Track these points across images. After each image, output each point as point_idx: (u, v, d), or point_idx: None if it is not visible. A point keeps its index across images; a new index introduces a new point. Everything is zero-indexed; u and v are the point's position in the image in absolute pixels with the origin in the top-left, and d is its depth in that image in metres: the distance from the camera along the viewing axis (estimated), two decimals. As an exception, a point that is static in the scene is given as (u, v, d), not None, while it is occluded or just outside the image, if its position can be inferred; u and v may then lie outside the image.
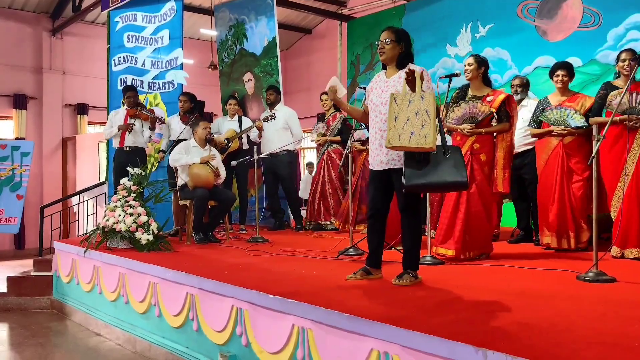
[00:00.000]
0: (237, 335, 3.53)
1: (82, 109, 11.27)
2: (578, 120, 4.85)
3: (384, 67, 3.68)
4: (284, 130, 6.94)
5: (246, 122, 7.09)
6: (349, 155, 5.03)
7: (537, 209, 5.32)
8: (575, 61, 5.25)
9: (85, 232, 7.97)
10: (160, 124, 6.62)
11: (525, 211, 5.76)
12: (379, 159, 3.54)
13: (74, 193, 8.71)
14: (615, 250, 4.48)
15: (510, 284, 3.62)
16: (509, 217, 6.37)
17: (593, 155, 3.62)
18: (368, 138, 4.80)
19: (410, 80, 3.28)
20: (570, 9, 6.98)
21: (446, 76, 4.51)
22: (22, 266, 7.97)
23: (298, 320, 3.08)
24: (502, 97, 4.65)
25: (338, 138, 6.83)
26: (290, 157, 7.11)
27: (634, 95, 4.47)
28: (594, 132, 3.70)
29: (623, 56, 4.66)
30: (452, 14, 8.23)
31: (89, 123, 11.44)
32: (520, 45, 7.44)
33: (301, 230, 7.05)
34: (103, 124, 11.25)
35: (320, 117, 7.35)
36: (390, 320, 2.63)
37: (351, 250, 4.84)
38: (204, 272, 4.05)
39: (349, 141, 4.99)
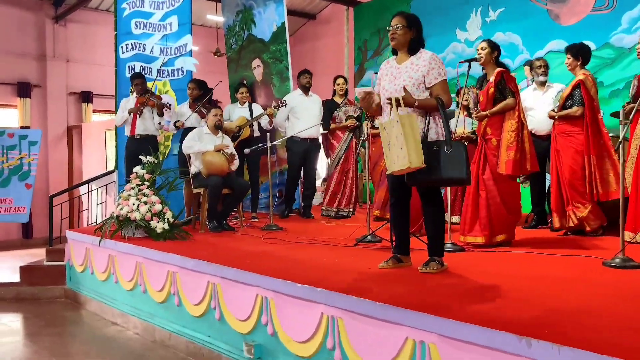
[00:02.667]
0: (262, 324, 3.51)
1: (86, 97, 11.17)
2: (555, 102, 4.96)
3: (395, 53, 3.63)
4: (318, 117, 6.89)
5: (257, 109, 7.03)
6: (366, 142, 4.98)
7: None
8: (588, 45, 5.19)
9: (95, 221, 7.94)
10: (167, 110, 6.56)
11: (539, 195, 5.74)
12: None
13: (83, 182, 8.64)
14: (628, 235, 4.44)
15: (535, 270, 3.60)
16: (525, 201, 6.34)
17: (620, 141, 3.58)
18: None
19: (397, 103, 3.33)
20: (584, -9, 6.90)
21: (465, 60, 4.46)
22: (32, 255, 7.93)
23: (327, 309, 3.05)
24: (496, 72, 4.57)
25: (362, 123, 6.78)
26: (319, 143, 7.08)
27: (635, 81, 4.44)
28: (620, 117, 3.66)
29: (642, 40, 4.62)
30: (461, -1, 8.14)
31: (94, 111, 11.34)
32: (532, 30, 7.37)
33: (312, 217, 7.00)
34: (108, 112, 11.24)
35: (329, 103, 7.23)
36: (425, 308, 2.61)
37: (369, 237, 4.81)
38: (225, 260, 4.02)
39: (366, 127, 4.93)
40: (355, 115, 6.83)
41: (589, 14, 6.85)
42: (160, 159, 5.83)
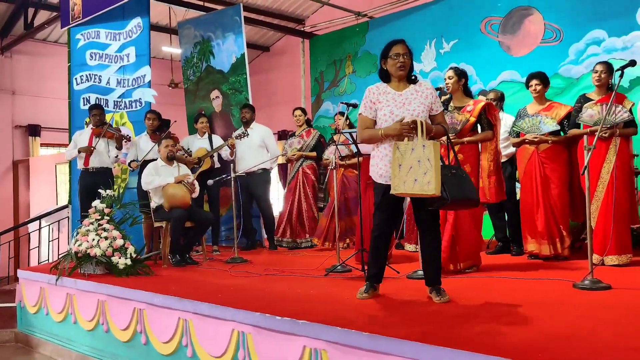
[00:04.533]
0: (239, 360, 3.40)
1: (33, 130, 10.79)
2: (550, 125, 4.99)
3: (385, 80, 3.61)
4: (260, 148, 6.85)
5: (216, 140, 6.95)
6: (334, 171, 4.98)
7: (515, 219, 5.43)
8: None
9: (47, 259, 7.59)
10: (126, 142, 6.41)
11: (503, 222, 5.86)
12: None
13: (32, 219, 8.28)
14: (596, 257, 4.58)
15: (511, 295, 3.63)
16: (486, 228, 6.45)
17: (585, 165, 3.70)
18: (348, 155, 4.82)
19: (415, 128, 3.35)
20: (533, 24, 7.22)
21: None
22: (-25, 298, 7.48)
23: (310, 342, 2.98)
24: (481, 104, 4.71)
25: (314, 154, 6.79)
26: (266, 176, 7.00)
27: (603, 106, 4.63)
28: (585, 143, 3.79)
29: (595, 67, 4.84)
30: (416, 31, 8.36)
31: (42, 145, 10.96)
32: (485, 60, 7.63)
33: (275, 249, 6.92)
34: (57, 145, 10.89)
35: (282, 134, 7.28)
36: (414, 337, 2.58)
37: (339, 267, 4.77)
38: (196, 295, 3.90)
39: (333, 157, 4.93)
40: (298, 147, 6.83)
41: (539, 45, 7.16)
42: (120, 192, 5.65)
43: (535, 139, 5.04)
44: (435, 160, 3.22)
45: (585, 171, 3.73)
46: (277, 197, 9.99)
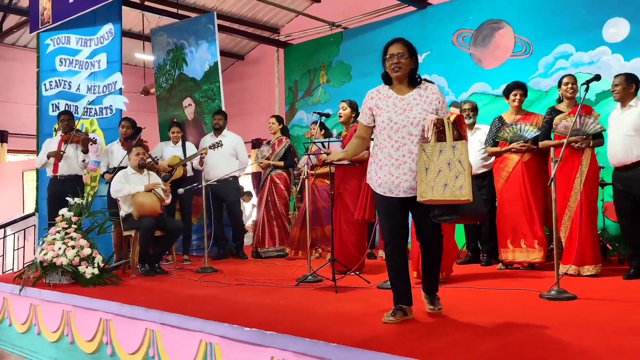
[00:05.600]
0: (206, 371, 3.35)
1: (0, 136, 10.58)
2: (532, 131, 5.08)
3: (388, 82, 3.33)
4: (231, 157, 6.83)
5: (190, 148, 6.89)
6: (306, 181, 4.97)
7: (490, 229, 5.49)
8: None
9: (11, 268, 7.41)
10: (92, 145, 6.30)
11: (474, 232, 5.91)
12: (407, 184, 3.17)
13: (-3, 226, 8.08)
14: (572, 268, 4.64)
15: (479, 305, 3.67)
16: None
17: (552, 177, 3.76)
18: (317, 164, 4.82)
19: (441, 129, 3.08)
20: (503, 38, 7.34)
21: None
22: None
23: (278, 353, 2.95)
24: (452, 117, 4.75)
25: (281, 163, 6.78)
26: (237, 183, 6.97)
27: (578, 117, 4.72)
28: (551, 155, 3.85)
29: (565, 80, 4.94)
30: (389, 42, 8.42)
31: (9, 151, 10.73)
32: (457, 72, 7.73)
33: (246, 258, 6.88)
34: (25, 151, 10.67)
35: (256, 142, 7.29)
36: (382, 348, 2.57)
37: (310, 277, 4.75)
38: (164, 305, 3.84)
39: (305, 167, 4.92)
40: (267, 155, 6.82)
41: (509, 58, 7.28)
42: (89, 200, 5.55)
43: (523, 148, 5.12)
44: (467, 162, 2.97)
45: (552, 183, 3.78)
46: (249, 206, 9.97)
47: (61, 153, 6.16)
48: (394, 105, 3.24)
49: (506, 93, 5.35)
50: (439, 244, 3.36)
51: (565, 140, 4.67)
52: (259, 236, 6.85)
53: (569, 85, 4.86)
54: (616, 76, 4.66)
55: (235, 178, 6.92)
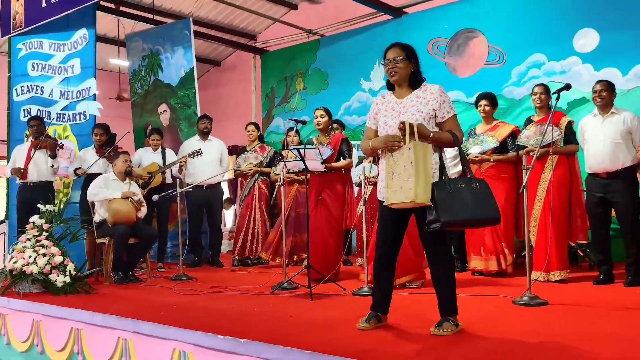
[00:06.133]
0: (179, 380, 3.31)
1: (-30, 141, 10.35)
2: (491, 143, 5.16)
3: (391, 88, 3.31)
4: (218, 162, 6.85)
5: (170, 155, 6.84)
6: (282, 188, 4.97)
7: (460, 237, 5.54)
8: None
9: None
10: (59, 149, 6.20)
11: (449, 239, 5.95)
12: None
13: (-35, 234, 7.90)
14: (541, 275, 4.71)
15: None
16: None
17: (523, 185, 3.82)
18: (302, 170, 4.81)
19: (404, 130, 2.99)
20: (477, 47, 7.45)
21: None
22: None
23: (252, 361, 2.94)
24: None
25: (269, 170, 6.77)
26: (222, 189, 7.00)
27: (538, 127, 4.81)
28: (524, 163, 3.92)
29: (534, 90, 5.02)
30: (366, 50, 8.49)
31: (-22, 157, 10.50)
32: (432, 81, 7.57)
33: (222, 266, 6.83)
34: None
35: (232, 149, 7.28)
36: (355, 356, 2.57)
37: (285, 284, 4.74)
38: (137, 314, 3.79)
39: (282, 174, 4.92)
40: (256, 162, 6.80)
41: (483, 67, 7.39)
42: (61, 207, 5.47)
43: (477, 158, 5.19)
44: (417, 163, 2.88)
45: (524, 190, 3.84)
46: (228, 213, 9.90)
47: (21, 170, 6.06)
48: (391, 110, 3.21)
49: (475, 104, 5.43)
50: (443, 255, 3.11)
51: (527, 150, 4.78)
52: (247, 244, 6.78)
53: (537, 95, 4.94)
54: (599, 82, 4.69)
55: (220, 184, 6.93)
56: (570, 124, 4.87)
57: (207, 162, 6.68)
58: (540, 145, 4.30)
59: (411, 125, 2.96)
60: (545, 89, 4.96)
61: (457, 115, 3.16)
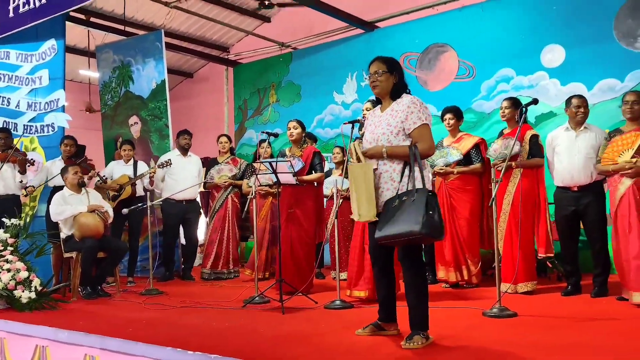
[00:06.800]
0: (148, 398, 3.24)
1: None
2: (455, 155, 5.23)
3: (379, 102, 3.36)
4: (196, 178, 6.82)
5: (141, 167, 6.76)
6: (254, 201, 4.94)
7: (431, 247, 5.58)
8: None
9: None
10: (30, 167, 6.09)
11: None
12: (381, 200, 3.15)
13: None
14: (510, 287, 4.75)
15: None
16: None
17: (493, 197, 3.87)
18: (275, 182, 4.80)
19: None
20: (448, 61, 7.56)
21: (349, 122, 4.61)
22: None
23: (223, 377, 2.90)
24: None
25: (241, 182, 6.73)
26: (198, 203, 6.97)
27: (504, 141, 4.88)
28: (492, 176, 3.97)
29: (502, 105, 5.09)
30: (338, 63, 8.56)
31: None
32: (403, 94, 7.86)
33: (193, 280, 6.75)
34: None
35: (204, 162, 7.23)
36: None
37: (257, 298, 4.71)
38: (104, 330, 3.71)
39: (253, 187, 4.90)
40: (230, 175, 6.76)
41: (453, 81, 7.50)
42: (27, 220, 5.35)
43: (441, 171, 5.27)
44: (357, 184, 3.01)
45: (493, 202, 3.89)
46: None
47: None
48: (373, 124, 3.28)
49: (441, 117, 5.51)
50: (412, 268, 3.10)
51: (494, 163, 4.86)
52: (221, 257, 6.69)
53: (502, 110, 5.01)
54: (578, 98, 4.73)
55: (194, 200, 6.92)
56: (534, 137, 4.89)
57: (187, 177, 6.66)
58: (504, 159, 4.36)
59: (354, 148, 3.19)
60: (512, 103, 5.00)
61: (427, 126, 3.11)
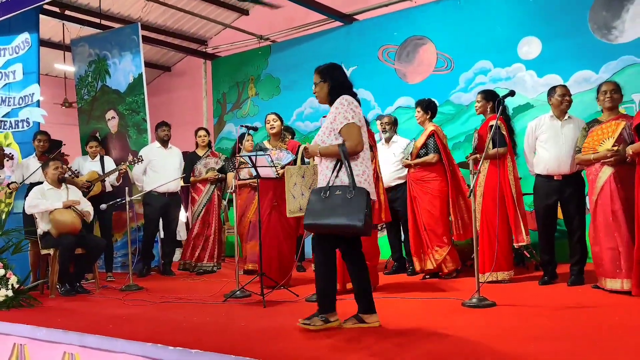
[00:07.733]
0: (129, 394, 3.23)
1: None
2: (410, 148, 5.46)
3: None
4: (178, 170, 6.78)
5: (109, 163, 6.70)
6: (235, 195, 4.93)
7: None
8: (435, 101, 5.71)
9: None
10: (8, 161, 5.99)
11: (398, 242, 6.05)
12: None
13: None
14: (489, 276, 4.80)
15: (403, 314, 3.75)
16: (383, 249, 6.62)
17: (471, 189, 3.91)
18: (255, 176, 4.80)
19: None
20: (426, 54, 7.59)
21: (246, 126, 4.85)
22: None
23: (204, 372, 2.89)
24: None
25: (224, 176, 6.72)
26: (179, 197, 6.95)
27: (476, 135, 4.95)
28: (470, 167, 4.01)
29: (476, 97, 5.13)
30: (317, 56, 8.49)
31: None
32: (382, 87, 7.91)
33: (173, 275, 6.71)
34: None
35: (190, 155, 7.16)
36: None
37: (238, 292, 4.70)
38: (84, 327, 3.68)
39: (234, 180, 4.88)
40: (217, 168, 6.75)
41: (432, 73, 7.53)
42: (2, 217, 5.27)
43: (404, 163, 5.40)
44: (287, 185, 3.73)
45: (471, 194, 3.93)
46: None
47: None
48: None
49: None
50: (352, 259, 3.37)
51: (472, 157, 4.92)
52: (207, 250, 6.72)
53: (476, 103, 5.08)
54: (562, 87, 4.80)
55: (176, 193, 6.89)
56: (494, 127, 4.89)
57: (168, 169, 6.66)
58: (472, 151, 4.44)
59: (301, 149, 3.59)
60: (483, 96, 5.05)
61: (353, 124, 3.27)
